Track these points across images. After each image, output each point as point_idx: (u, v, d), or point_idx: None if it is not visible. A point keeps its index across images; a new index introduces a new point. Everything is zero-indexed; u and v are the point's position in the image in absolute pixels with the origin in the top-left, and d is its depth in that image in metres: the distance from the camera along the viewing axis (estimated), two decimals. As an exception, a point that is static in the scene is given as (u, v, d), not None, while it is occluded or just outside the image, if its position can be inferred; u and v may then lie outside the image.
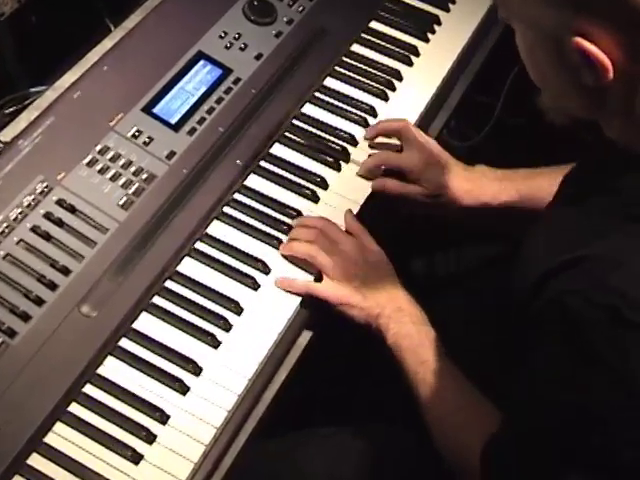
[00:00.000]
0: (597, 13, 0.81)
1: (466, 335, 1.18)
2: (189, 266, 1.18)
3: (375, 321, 1.16)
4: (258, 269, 1.19)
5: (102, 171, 1.20)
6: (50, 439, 1.03)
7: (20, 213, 1.13)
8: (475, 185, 1.30)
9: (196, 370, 1.09)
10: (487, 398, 1.07)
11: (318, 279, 1.19)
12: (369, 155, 1.34)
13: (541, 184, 1.26)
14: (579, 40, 0.83)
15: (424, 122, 1.41)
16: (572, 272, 0.87)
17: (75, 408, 1.05)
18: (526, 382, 0.95)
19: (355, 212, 1.27)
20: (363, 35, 1.49)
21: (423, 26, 1.51)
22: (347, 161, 1.33)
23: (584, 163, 1.03)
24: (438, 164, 1.30)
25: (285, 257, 1.21)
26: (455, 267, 1.48)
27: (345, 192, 1.30)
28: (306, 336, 1.17)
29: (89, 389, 1.06)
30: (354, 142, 1.35)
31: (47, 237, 1.12)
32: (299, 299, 1.17)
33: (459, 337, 1.16)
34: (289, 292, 1.17)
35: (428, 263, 1.49)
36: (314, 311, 1.18)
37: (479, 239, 1.47)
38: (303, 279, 1.19)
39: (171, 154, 1.24)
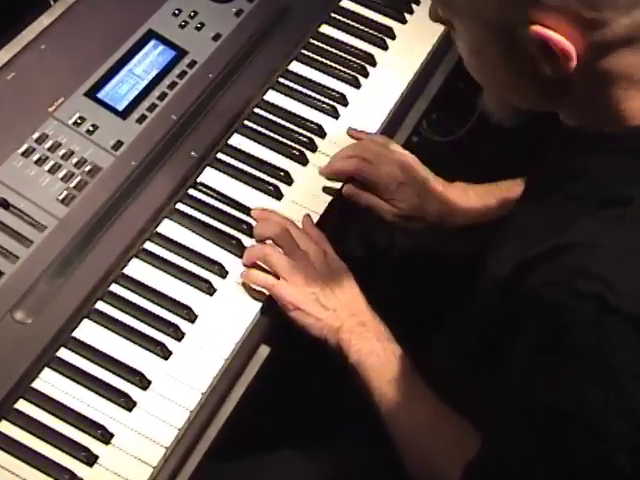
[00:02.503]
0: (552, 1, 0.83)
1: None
2: (137, 268, 1.18)
3: (334, 336, 1.15)
4: (214, 272, 1.19)
5: (39, 162, 1.19)
6: (-24, 462, 1.02)
7: (-54, 208, 1.12)
8: (455, 208, 1.32)
9: (144, 383, 1.09)
10: (464, 418, 1.08)
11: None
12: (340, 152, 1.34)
13: None
14: (537, 28, 0.84)
15: (399, 112, 1.42)
16: (548, 264, 0.88)
17: (5, 426, 1.04)
18: (504, 391, 0.95)
19: (321, 211, 1.28)
20: (333, 15, 1.50)
21: (399, 5, 1.52)
22: (314, 154, 1.34)
23: (547, 153, 1.06)
24: (415, 184, 1.31)
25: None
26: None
27: (311, 188, 1.30)
28: (267, 347, 1.17)
29: (22, 405, 1.06)
30: (322, 133, 1.36)
31: (-24, 235, 1.12)
32: (260, 305, 1.17)
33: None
34: (251, 291, 1.18)
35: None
36: (274, 321, 1.18)
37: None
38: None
39: (118, 144, 1.24)
